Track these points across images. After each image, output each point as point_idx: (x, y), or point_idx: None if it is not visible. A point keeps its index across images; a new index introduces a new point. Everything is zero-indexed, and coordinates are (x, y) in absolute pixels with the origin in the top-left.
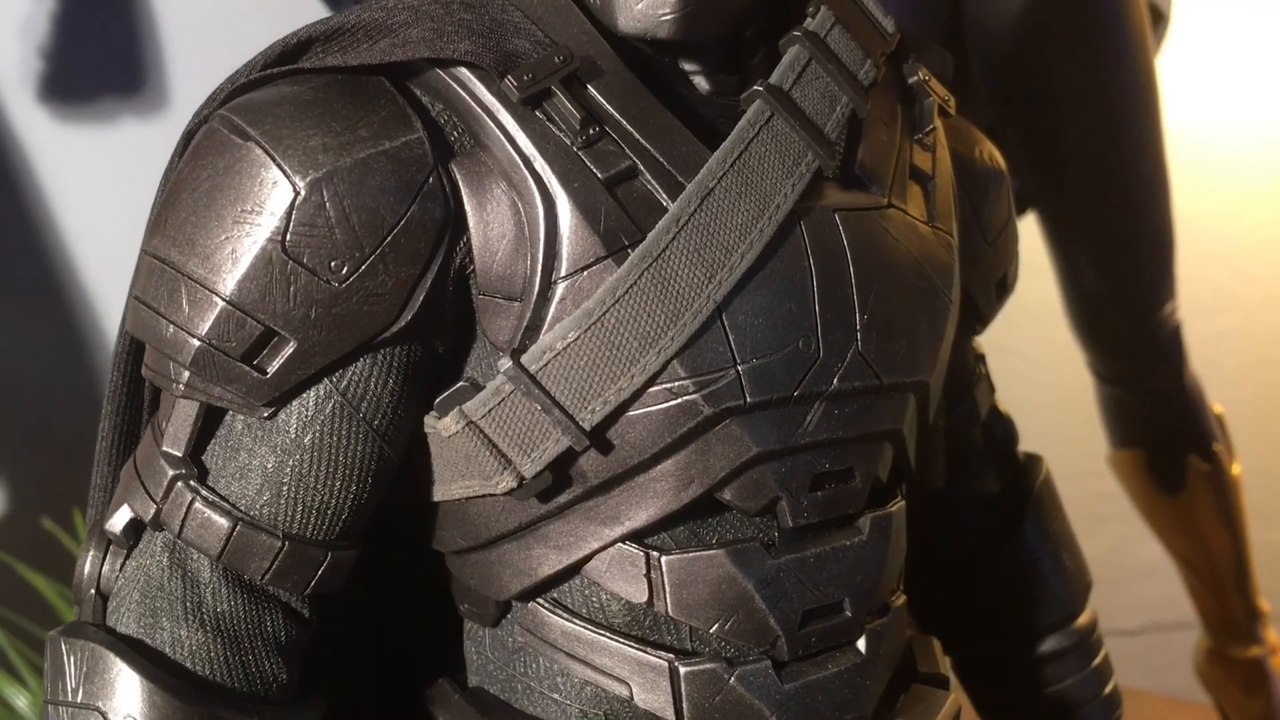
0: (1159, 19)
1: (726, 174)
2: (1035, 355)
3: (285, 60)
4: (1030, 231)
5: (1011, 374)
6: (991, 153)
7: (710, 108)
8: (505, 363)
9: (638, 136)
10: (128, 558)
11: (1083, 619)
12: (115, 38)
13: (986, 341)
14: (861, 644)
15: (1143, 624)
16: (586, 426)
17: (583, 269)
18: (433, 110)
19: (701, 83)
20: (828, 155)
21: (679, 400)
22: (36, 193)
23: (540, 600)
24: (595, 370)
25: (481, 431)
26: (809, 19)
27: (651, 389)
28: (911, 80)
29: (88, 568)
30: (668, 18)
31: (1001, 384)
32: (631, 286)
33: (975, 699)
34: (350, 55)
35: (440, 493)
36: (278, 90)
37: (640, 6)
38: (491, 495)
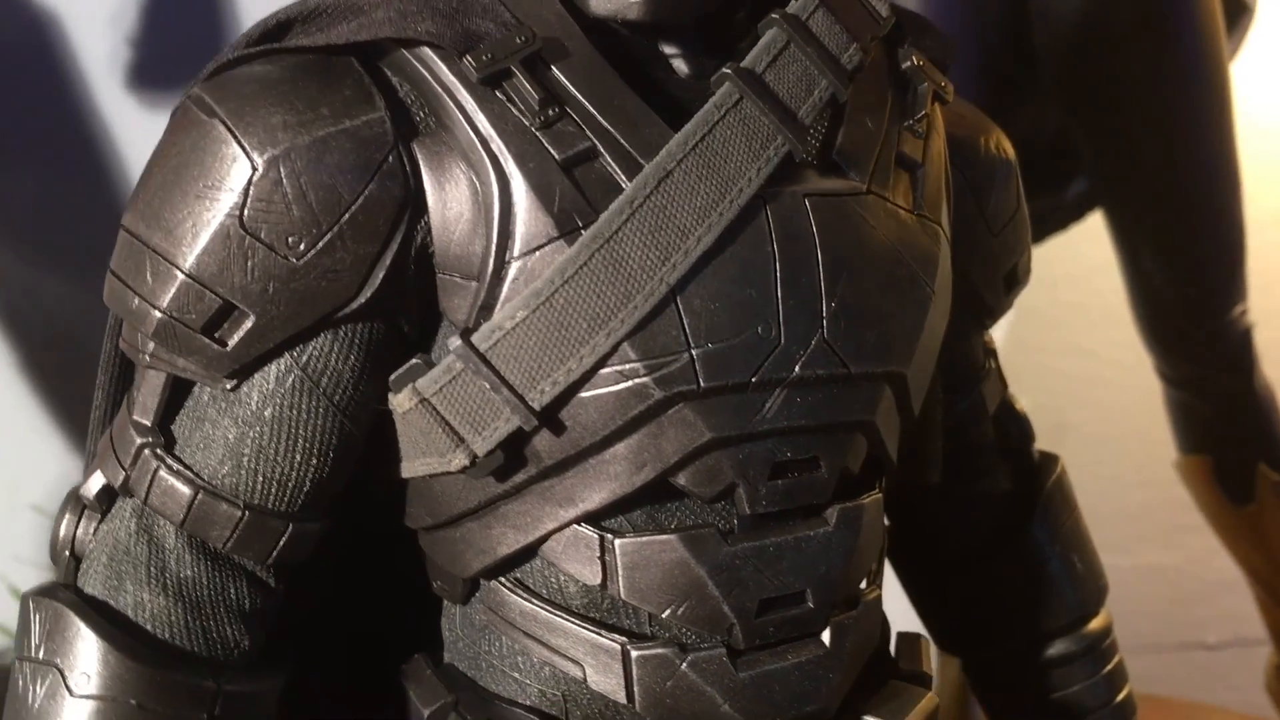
0: (1243, 10)
1: (687, 156)
2: (1117, 357)
3: (266, 40)
4: (1102, 231)
5: (1092, 377)
6: (1000, 141)
7: (688, 91)
8: (455, 341)
9: (599, 118)
10: (100, 522)
11: (1095, 624)
12: (203, 26)
13: (1064, 342)
14: (826, 636)
15: (1224, 638)
16: (536, 406)
17: (535, 249)
18: (400, 90)
19: (681, 65)
20: (799, 139)
21: (630, 383)
22: (125, 180)
23: (502, 579)
24: (544, 350)
25: (434, 409)
26: (793, 1)
27: (602, 371)
28: (905, 65)
29: (63, 531)
30: (635, 0)
31: (1081, 387)
32: (581, 267)
33: (985, 701)
34: (321, 36)
35: (406, 469)
36: (250, 69)
37: None
38: (449, 473)
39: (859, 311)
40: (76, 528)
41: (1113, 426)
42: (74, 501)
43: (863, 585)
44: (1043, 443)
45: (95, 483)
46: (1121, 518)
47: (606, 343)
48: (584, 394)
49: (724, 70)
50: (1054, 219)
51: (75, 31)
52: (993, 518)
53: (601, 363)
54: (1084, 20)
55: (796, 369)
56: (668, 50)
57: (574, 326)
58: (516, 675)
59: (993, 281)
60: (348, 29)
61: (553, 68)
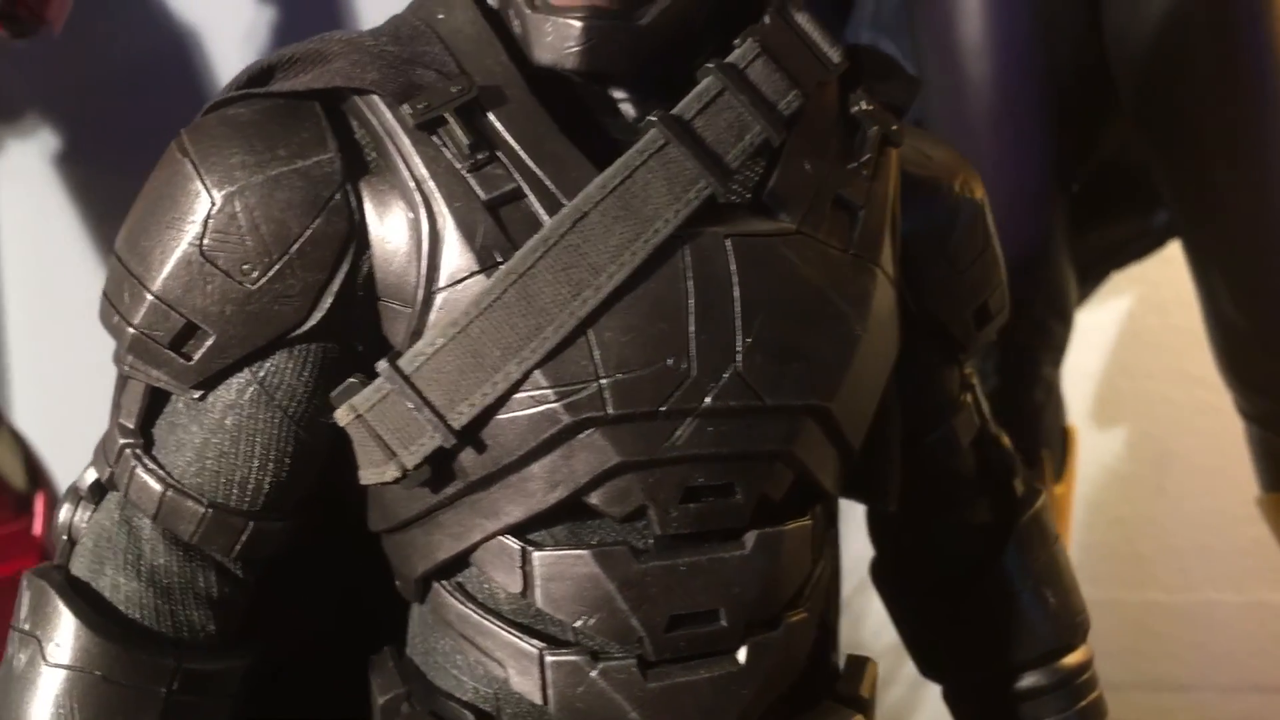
0: None
1: (605, 198)
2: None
3: (252, 84)
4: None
5: (1201, 405)
6: (967, 182)
7: (631, 135)
8: (383, 364)
9: (528, 162)
10: (93, 512)
11: (1070, 659)
12: None
13: (1172, 368)
14: (742, 654)
15: None
16: (455, 426)
17: (458, 281)
18: (356, 133)
19: (629, 110)
20: (722, 182)
21: (542, 408)
22: None
23: (444, 583)
24: (462, 375)
25: (368, 424)
26: (735, 51)
27: (517, 395)
28: (853, 110)
29: (62, 518)
30: (572, 50)
31: (1189, 415)
32: (496, 300)
33: None
34: (290, 82)
35: (361, 477)
36: (229, 111)
37: (549, 40)
38: (388, 483)
39: (776, 347)
40: (73, 516)
41: (1221, 458)
42: (73, 493)
43: (786, 608)
44: (1146, 473)
45: (89, 476)
46: (1231, 553)
47: (518, 370)
48: (501, 416)
49: (650, 117)
50: (1137, 245)
51: (213, 46)
52: (969, 548)
53: (515, 388)
54: (1156, 43)
55: (708, 400)
56: (617, 96)
57: (488, 354)
58: (455, 672)
59: (960, 317)
60: (310, 77)
61: (489, 114)
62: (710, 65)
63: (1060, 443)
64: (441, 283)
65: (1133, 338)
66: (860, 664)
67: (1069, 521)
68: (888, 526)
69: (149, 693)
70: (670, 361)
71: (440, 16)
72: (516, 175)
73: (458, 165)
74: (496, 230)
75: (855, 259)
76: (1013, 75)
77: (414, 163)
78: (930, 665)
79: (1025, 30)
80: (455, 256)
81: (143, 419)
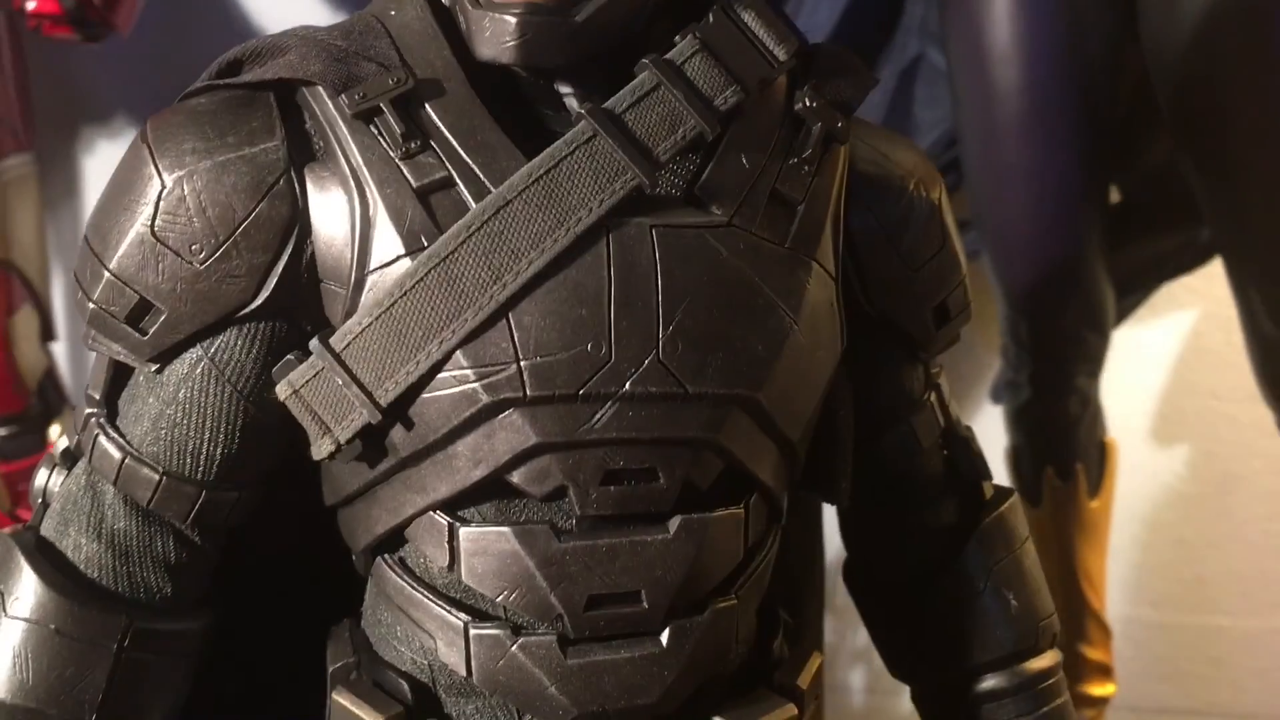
0: None
1: (529, 187)
2: None
3: (221, 75)
4: None
5: (1268, 426)
6: (923, 181)
7: (570, 127)
8: (315, 342)
9: (460, 151)
10: (65, 478)
11: (1035, 663)
12: None
13: (1239, 387)
14: (664, 637)
15: None
16: (382, 403)
17: (386, 264)
18: (307, 124)
19: (574, 104)
20: (649, 174)
21: (463, 388)
22: None
23: (386, 557)
24: (387, 354)
25: (304, 400)
26: (675, 47)
27: (440, 375)
28: (797, 107)
29: (38, 481)
30: (509, 44)
31: (1256, 436)
32: (419, 282)
33: None
34: (246, 74)
35: (311, 453)
36: (194, 101)
37: (488, 35)
38: (329, 459)
39: (699, 336)
40: (48, 480)
41: None
42: (49, 459)
43: (714, 594)
44: (1209, 494)
45: (63, 443)
46: None
47: (439, 350)
48: (426, 395)
49: (579, 110)
50: (1182, 258)
51: None
52: (932, 549)
53: (438, 368)
54: (1189, 54)
55: (627, 385)
56: (563, 90)
57: (411, 334)
58: (396, 644)
59: (917, 316)
60: (264, 69)
61: (426, 105)
62: (647, 60)
63: (1098, 457)
64: (372, 265)
65: (1197, 355)
66: (803, 655)
67: (1106, 537)
68: (855, 525)
69: (100, 647)
70: (589, 347)
71: (392, 13)
72: (448, 164)
73: (392, 154)
74: (425, 216)
75: (791, 253)
76: (1042, 82)
77: (350, 151)
78: (897, 666)
79: (1055, 37)
80: (385, 240)
81: (107, 390)
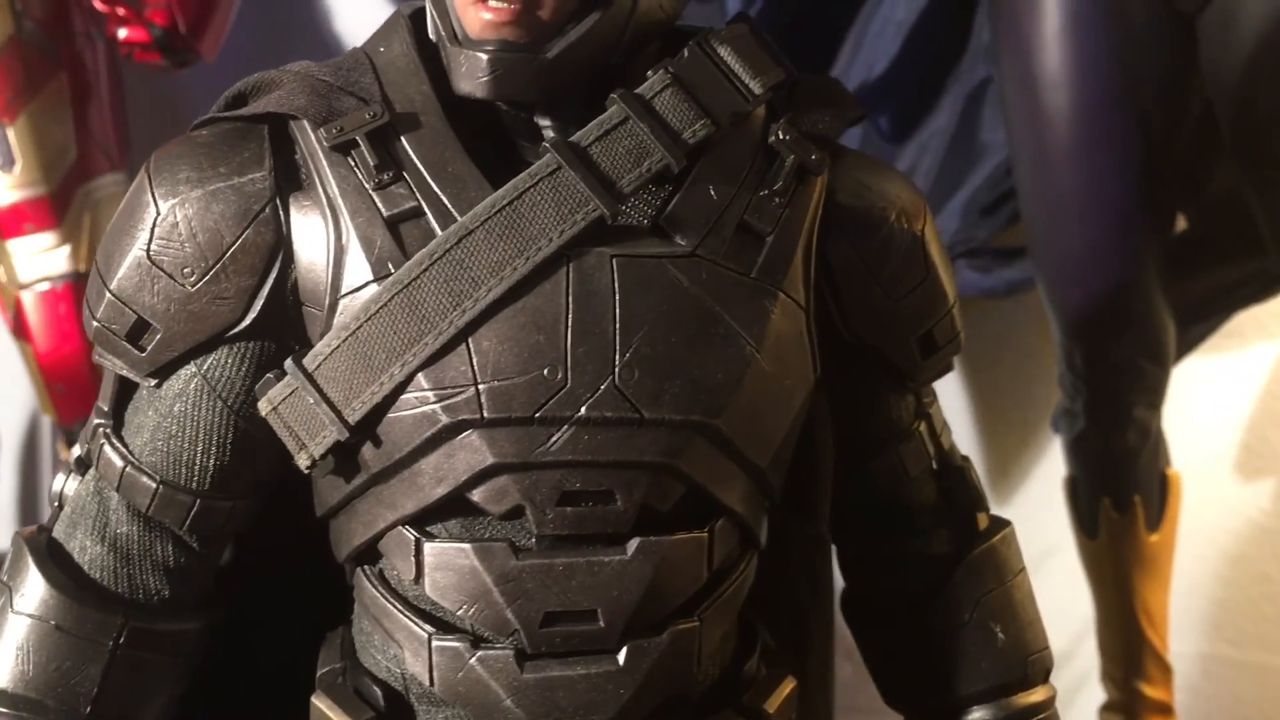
0: None
1: (492, 217)
2: None
3: (228, 107)
4: None
5: None
6: (905, 212)
7: None
8: (289, 361)
9: (431, 183)
10: (78, 483)
11: (1024, 697)
12: None
13: None
14: (622, 655)
15: None
16: (351, 421)
17: (356, 290)
18: (297, 155)
19: (551, 136)
20: (611, 205)
21: (424, 408)
22: None
23: (366, 568)
24: (354, 374)
25: (281, 416)
26: (646, 81)
27: (404, 396)
28: (771, 140)
29: (55, 486)
30: (482, 80)
31: None
32: (383, 307)
33: None
34: (243, 109)
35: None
36: (194, 133)
37: (464, 70)
38: (310, 472)
39: (657, 363)
40: (64, 485)
41: None
42: (64, 465)
43: (674, 616)
44: None
45: (77, 450)
46: None
47: (402, 372)
48: (391, 415)
49: (544, 143)
50: (1251, 288)
51: None
52: (923, 578)
53: (401, 389)
54: (1247, 78)
55: (582, 409)
56: (541, 122)
57: (376, 356)
58: (374, 652)
59: (901, 346)
60: (257, 104)
61: (402, 138)
62: (615, 94)
63: (1159, 490)
64: (344, 290)
65: None
66: (774, 678)
67: (1168, 573)
68: (848, 554)
69: (97, 644)
70: (545, 371)
71: (381, 49)
72: (418, 195)
73: (366, 184)
74: (393, 244)
75: (756, 283)
76: (1093, 106)
77: (328, 181)
78: (889, 695)
79: (1106, 60)
80: (356, 267)
81: (114, 403)
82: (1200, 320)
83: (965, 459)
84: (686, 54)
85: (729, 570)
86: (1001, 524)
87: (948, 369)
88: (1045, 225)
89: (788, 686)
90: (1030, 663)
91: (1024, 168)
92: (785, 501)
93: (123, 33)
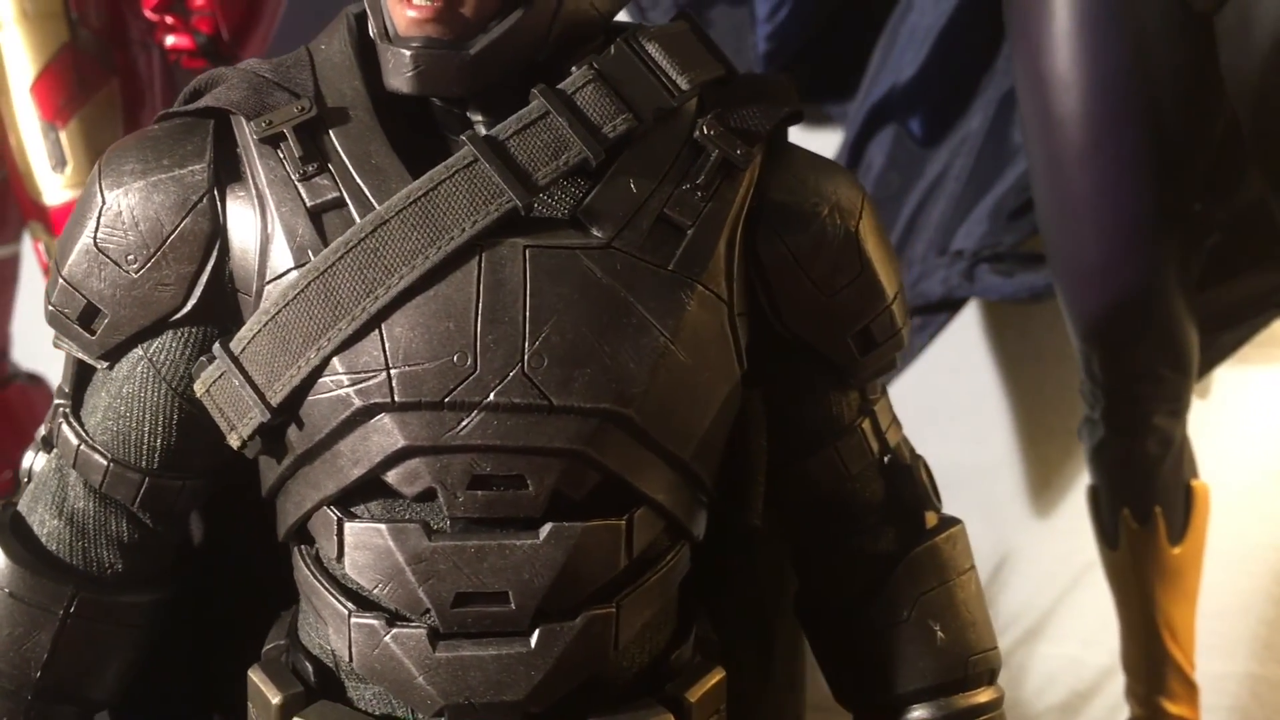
0: None
1: (407, 208)
2: None
3: (186, 101)
4: None
5: None
6: (839, 207)
7: None
8: (217, 345)
9: (354, 175)
10: (44, 460)
11: (967, 698)
12: None
13: None
14: (534, 638)
15: None
16: (273, 403)
17: (279, 276)
18: (238, 147)
19: (482, 129)
20: (523, 197)
21: (338, 391)
22: None
23: (302, 548)
24: (274, 358)
25: (213, 398)
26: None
27: (321, 379)
28: (696, 135)
29: (24, 463)
30: (407, 75)
31: None
32: (300, 293)
33: None
34: (190, 105)
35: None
36: (147, 128)
37: (391, 66)
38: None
39: (566, 351)
40: (32, 462)
41: None
42: (33, 442)
43: (589, 602)
44: None
45: (42, 430)
46: None
47: (317, 356)
48: (311, 397)
49: (462, 136)
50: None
51: None
52: (866, 576)
53: (318, 373)
54: (1265, 82)
55: (491, 395)
56: (475, 118)
57: (293, 340)
58: (308, 629)
59: (837, 341)
60: (204, 99)
61: (330, 132)
62: (536, 89)
63: (1182, 502)
64: (268, 277)
65: None
66: (703, 669)
67: (1193, 588)
68: (797, 552)
69: (48, 612)
70: (455, 358)
71: (322, 47)
72: (341, 186)
73: (292, 175)
74: (314, 233)
75: (673, 275)
76: (1103, 109)
77: (258, 172)
78: (838, 694)
79: (1117, 63)
80: (279, 255)
81: (74, 385)
82: (1229, 328)
83: (916, 456)
84: (613, 50)
85: (653, 560)
86: (950, 522)
87: (890, 366)
88: (1059, 229)
89: (714, 678)
90: (972, 663)
91: (1037, 171)
92: (724, 497)
93: (170, 40)
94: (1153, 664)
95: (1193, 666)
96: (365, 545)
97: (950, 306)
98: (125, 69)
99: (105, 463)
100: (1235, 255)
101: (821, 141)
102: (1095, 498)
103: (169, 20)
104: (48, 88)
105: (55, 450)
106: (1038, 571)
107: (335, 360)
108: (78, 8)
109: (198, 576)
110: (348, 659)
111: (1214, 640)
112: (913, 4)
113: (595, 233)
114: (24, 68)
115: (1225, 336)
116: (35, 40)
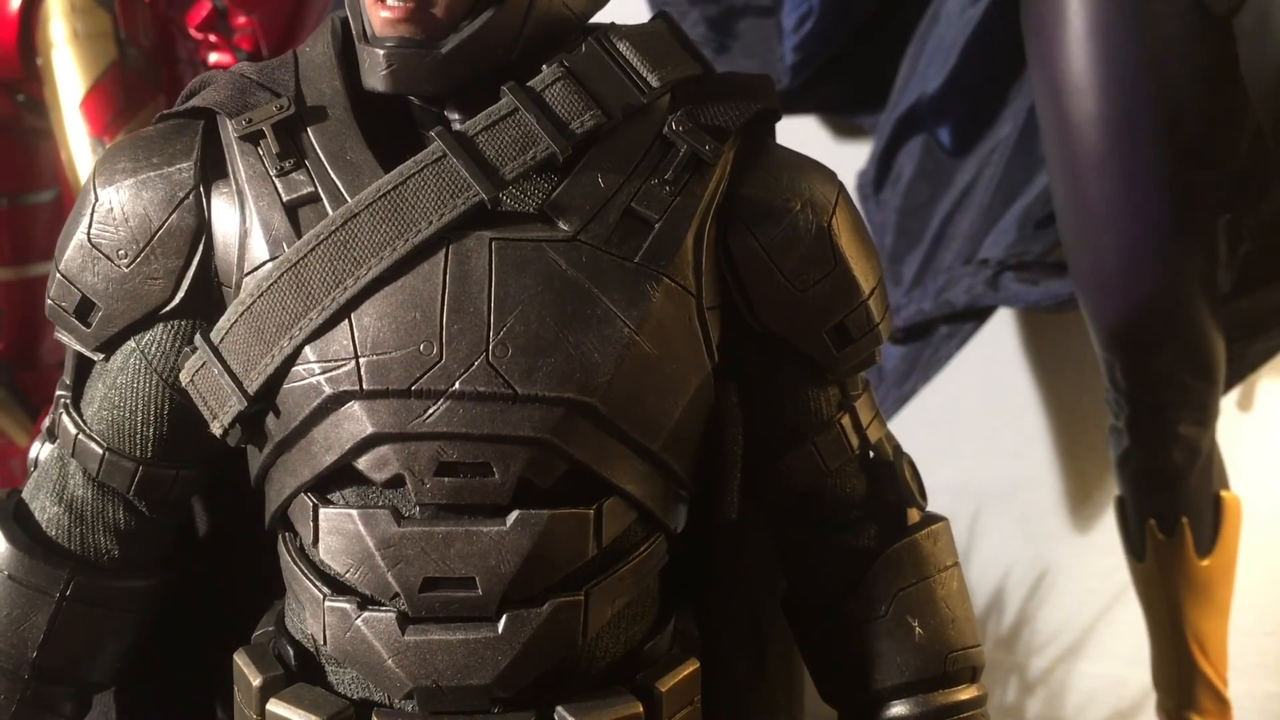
0: None
1: (376, 201)
2: None
3: (182, 102)
4: None
5: None
6: (813, 202)
7: None
8: (198, 336)
9: (329, 171)
10: (48, 449)
11: (947, 695)
12: None
13: None
14: (501, 624)
15: None
16: (250, 392)
17: (256, 268)
18: (225, 145)
19: (457, 127)
20: (489, 192)
21: (310, 380)
22: None
23: (286, 535)
24: (250, 347)
25: (196, 387)
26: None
27: (295, 368)
28: (665, 131)
29: (31, 453)
30: (381, 74)
31: None
32: (273, 284)
33: None
34: (179, 106)
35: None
36: (143, 128)
37: (367, 67)
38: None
39: (530, 341)
40: (38, 451)
41: None
42: (38, 432)
43: (556, 590)
44: None
45: (48, 421)
46: None
47: (290, 345)
48: (286, 386)
49: (432, 132)
50: None
51: None
52: (846, 572)
53: (291, 361)
54: None
55: (456, 384)
56: (451, 116)
57: (267, 330)
58: (291, 615)
59: (812, 336)
60: (193, 100)
61: (308, 129)
62: (505, 86)
63: (1211, 513)
64: (246, 269)
65: None
66: (677, 660)
67: (1224, 601)
68: (782, 548)
69: (45, 595)
70: (421, 347)
71: (306, 48)
72: (316, 181)
73: (270, 172)
74: (289, 227)
75: (639, 268)
76: (1119, 113)
77: (239, 169)
78: (822, 690)
79: (1132, 65)
80: (256, 248)
81: (74, 376)
82: (1260, 336)
83: (900, 453)
84: (584, 49)
85: (627, 550)
86: (932, 519)
87: (869, 361)
88: (1078, 235)
89: (688, 669)
90: (951, 659)
91: (1056, 177)
92: (707, 492)
93: (214, 57)
94: (1182, 679)
95: (1225, 682)
96: (338, 530)
97: (976, 315)
98: (171, 86)
99: (101, 452)
100: (1267, 263)
101: (851, 152)
102: (1122, 508)
103: (212, 38)
104: (96, 104)
105: (57, 439)
106: (1078, 587)
107: (307, 349)
108: (127, 28)
109: (206, 566)
110: (322, 642)
111: (1257, 659)
112: (939, 15)
113: (562, 226)
114: (74, 86)
115: (1258, 345)
116: (85, 59)
